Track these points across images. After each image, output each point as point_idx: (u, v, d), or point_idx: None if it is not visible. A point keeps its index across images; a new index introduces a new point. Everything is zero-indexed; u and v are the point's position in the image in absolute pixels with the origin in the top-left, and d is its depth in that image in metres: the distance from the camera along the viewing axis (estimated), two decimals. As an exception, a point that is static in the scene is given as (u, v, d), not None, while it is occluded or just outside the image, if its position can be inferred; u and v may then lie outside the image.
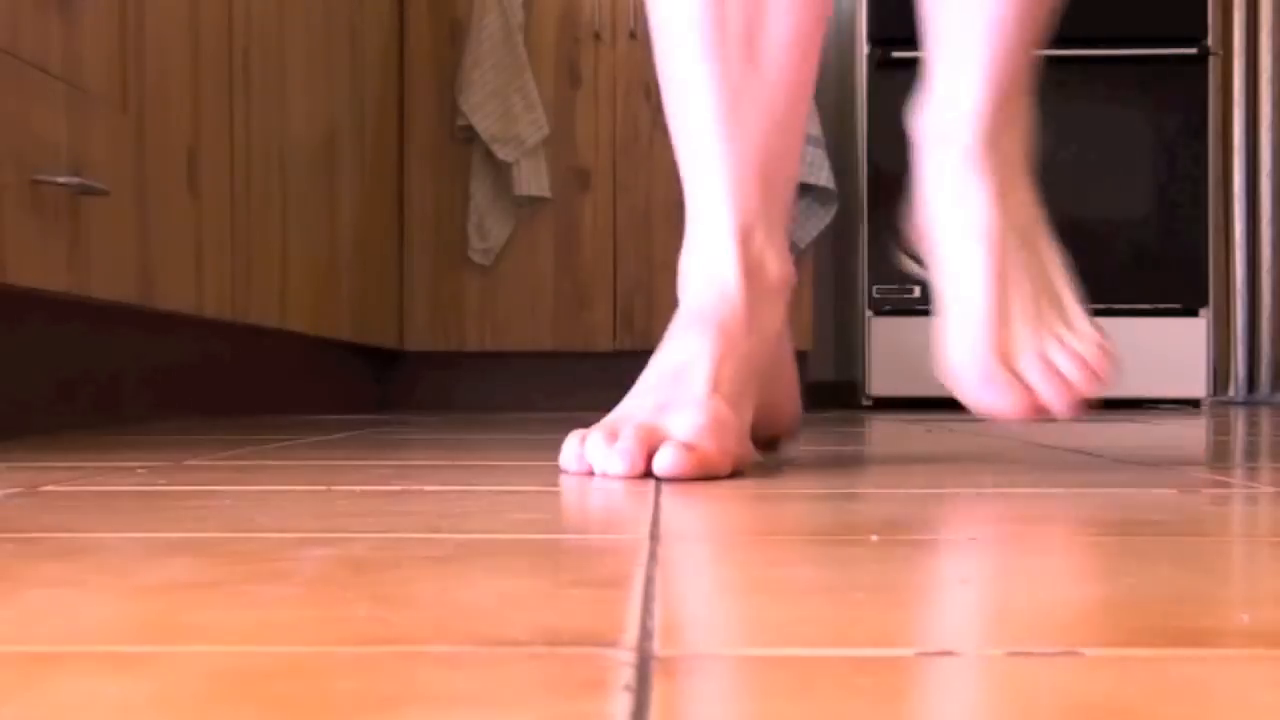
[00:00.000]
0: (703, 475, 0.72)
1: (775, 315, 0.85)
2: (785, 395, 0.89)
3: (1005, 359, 0.78)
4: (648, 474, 0.72)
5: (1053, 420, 0.77)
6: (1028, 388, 0.77)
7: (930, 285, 0.86)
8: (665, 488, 0.68)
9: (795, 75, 0.84)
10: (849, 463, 0.92)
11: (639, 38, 2.43)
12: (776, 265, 0.84)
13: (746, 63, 0.83)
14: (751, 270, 0.83)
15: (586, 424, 0.77)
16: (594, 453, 0.74)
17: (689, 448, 0.72)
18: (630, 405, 0.79)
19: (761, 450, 0.87)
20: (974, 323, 0.79)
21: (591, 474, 0.74)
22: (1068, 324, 0.80)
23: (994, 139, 0.83)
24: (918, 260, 0.87)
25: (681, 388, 0.77)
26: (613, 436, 0.74)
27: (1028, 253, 0.82)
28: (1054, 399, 0.76)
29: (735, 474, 0.75)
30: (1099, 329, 0.80)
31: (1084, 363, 0.77)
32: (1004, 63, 0.84)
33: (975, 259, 0.80)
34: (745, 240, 0.83)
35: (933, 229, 0.84)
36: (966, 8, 0.84)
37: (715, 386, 0.77)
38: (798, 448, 0.97)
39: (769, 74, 0.84)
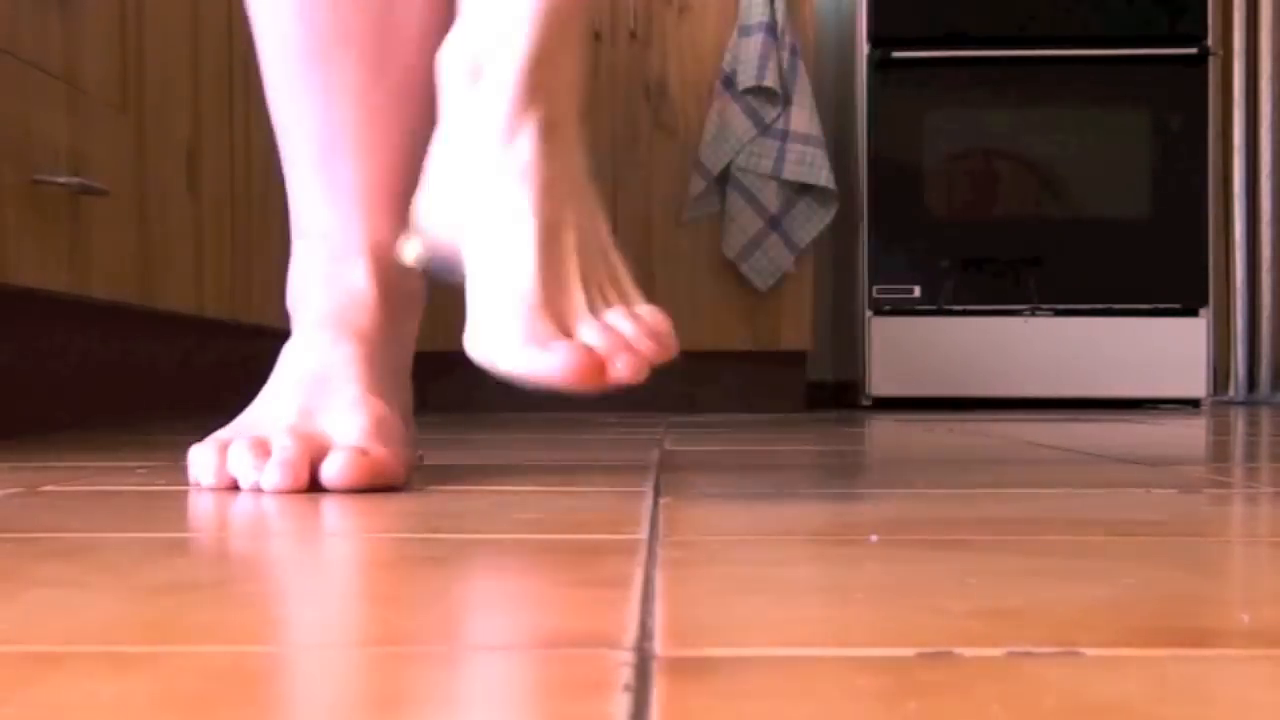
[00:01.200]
0: (379, 483, 0.65)
1: (411, 332, 0.79)
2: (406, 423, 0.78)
3: (558, 319, 0.63)
4: (314, 486, 0.63)
5: (613, 386, 0.61)
6: (586, 347, 0.61)
7: (447, 266, 0.70)
8: (665, 488, 0.68)
9: (426, 79, 0.71)
10: (849, 463, 0.93)
11: (639, 38, 2.44)
12: (414, 282, 0.78)
13: (374, 70, 0.75)
14: (389, 286, 0.76)
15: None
16: (241, 465, 0.65)
17: (360, 452, 0.65)
18: (267, 411, 0.70)
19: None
20: (518, 277, 0.64)
21: (236, 488, 0.65)
22: (622, 290, 0.67)
23: (532, 74, 0.66)
24: (427, 245, 0.70)
25: (331, 390, 0.69)
26: (261, 446, 0.65)
27: (578, 206, 0.67)
28: (618, 358, 0.61)
29: (406, 484, 0.67)
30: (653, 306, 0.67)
31: (649, 328, 0.64)
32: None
33: (519, 202, 0.65)
34: (378, 257, 0.76)
35: (464, 175, 0.67)
36: None
37: (369, 388, 0.71)
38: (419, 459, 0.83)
39: (399, 82, 0.75)
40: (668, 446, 1.06)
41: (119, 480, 0.72)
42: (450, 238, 0.68)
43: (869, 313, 2.55)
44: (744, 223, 2.43)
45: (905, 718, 0.24)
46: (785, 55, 2.42)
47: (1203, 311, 2.56)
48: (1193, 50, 2.55)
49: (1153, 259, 2.56)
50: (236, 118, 1.57)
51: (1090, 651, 0.29)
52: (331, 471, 0.63)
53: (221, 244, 1.51)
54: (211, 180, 1.48)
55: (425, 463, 0.77)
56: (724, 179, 2.43)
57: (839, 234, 2.75)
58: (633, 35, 2.48)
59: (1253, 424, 1.65)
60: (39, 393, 1.25)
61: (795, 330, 2.47)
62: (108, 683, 0.26)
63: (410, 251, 0.70)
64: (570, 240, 0.66)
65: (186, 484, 0.69)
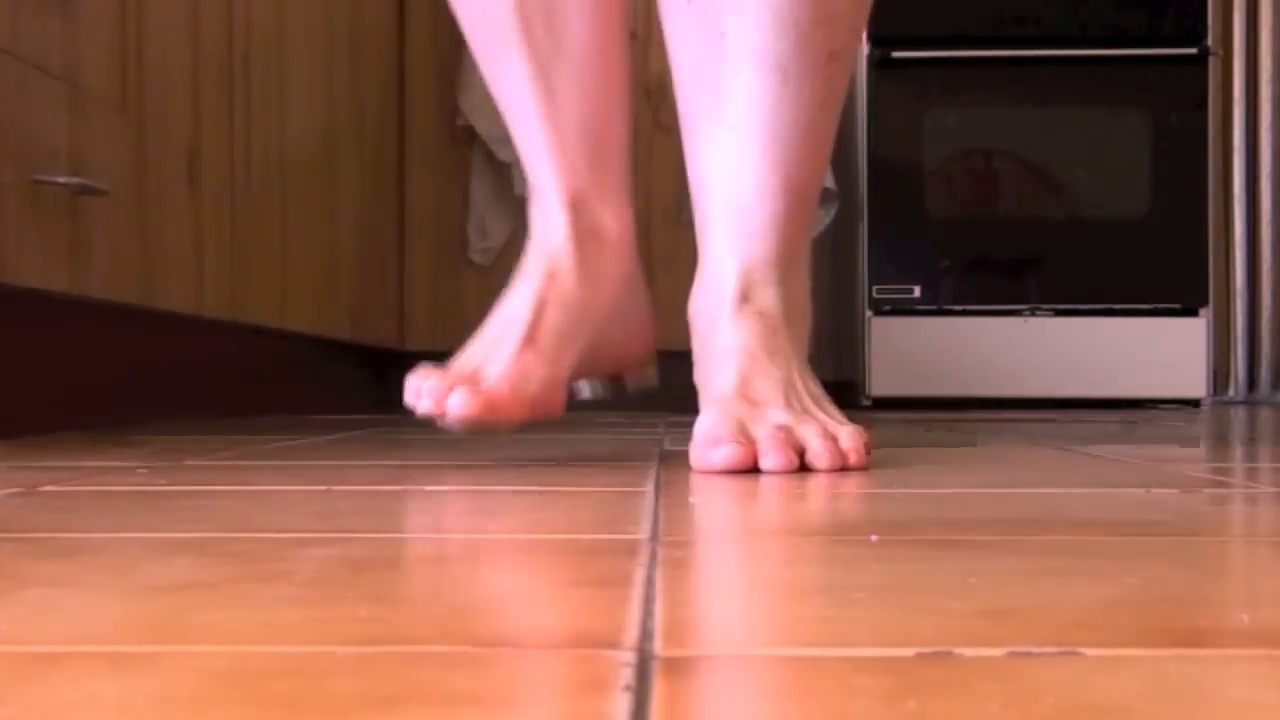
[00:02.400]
0: (490, 417, 0.81)
1: (616, 268, 0.92)
2: (632, 336, 0.95)
3: (740, 427, 0.77)
4: (440, 416, 0.82)
5: (767, 471, 0.75)
6: (749, 444, 0.76)
7: None
8: (665, 490, 0.68)
9: (601, 49, 0.90)
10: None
11: (639, 37, 2.44)
12: (614, 224, 0.92)
13: (551, 43, 0.90)
14: (583, 234, 0.90)
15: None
16: (419, 390, 0.85)
17: (479, 392, 0.81)
18: (468, 353, 0.89)
19: (607, 384, 0.97)
20: (716, 408, 0.80)
21: (416, 405, 0.85)
22: (828, 412, 0.82)
23: (753, 303, 0.85)
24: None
25: (502, 340, 0.86)
26: (438, 375, 0.85)
27: (780, 363, 0.83)
28: (770, 452, 0.75)
29: (558, 416, 0.86)
30: (851, 425, 0.81)
31: (826, 434, 0.78)
32: (783, 229, 0.86)
33: (725, 375, 0.82)
34: (575, 206, 0.90)
35: (697, 364, 0.87)
36: (740, 160, 0.86)
37: (530, 338, 0.86)
38: (654, 383, 1.01)
39: (573, 53, 0.90)
40: (668, 446, 1.06)
41: (119, 480, 0.72)
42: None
43: (869, 313, 2.55)
44: (744, 223, 2.42)
45: (905, 717, 0.24)
46: (785, 55, 2.42)
47: (1203, 311, 2.56)
48: (1193, 50, 2.55)
49: (1153, 259, 2.56)
50: (236, 118, 1.57)
51: (1090, 651, 0.29)
52: (451, 405, 0.80)
53: (221, 244, 1.51)
54: (211, 180, 1.48)
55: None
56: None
57: (839, 234, 2.76)
58: (633, 35, 2.47)
59: (1253, 424, 1.65)
60: (39, 393, 1.25)
61: (795, 330, 2.47)
62: (108, 683, 0.26)
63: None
64: (769, 378, 0.81)
65: (186, 484, 0.69)
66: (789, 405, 0.80)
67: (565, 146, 0.91)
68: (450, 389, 0.81)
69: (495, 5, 0.92)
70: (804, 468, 0.76)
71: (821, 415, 0.81)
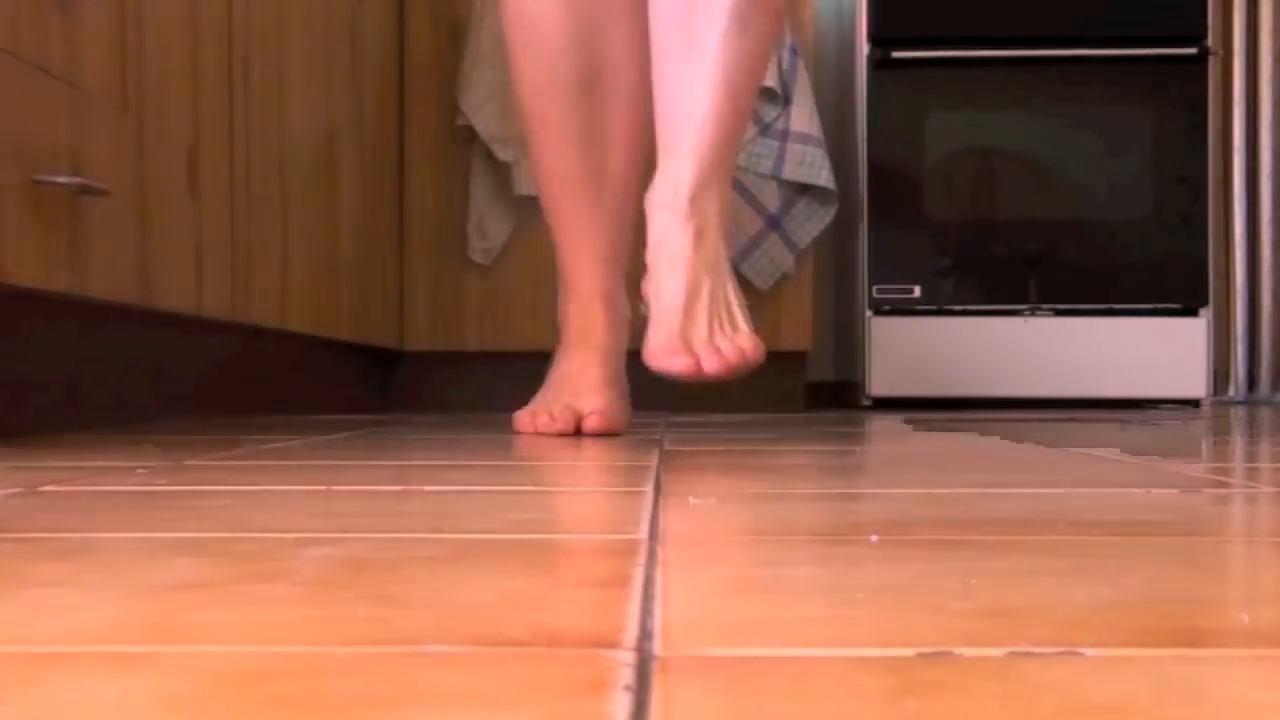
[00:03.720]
0: (613, 431, 1.23)
1: (624, 342, 1.33)
2: (624, 399, 1.32)
3: (686, 342, 1.10)
4: (576, 432, 1.22)
5: (709, 377, 1.09)
6: (694, 356, 1.09)
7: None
8: (665, 490, 0.68)
9: (628, 203, 1.33)
10: (849, 463, 0.93)
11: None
12: (623, 308, 1.34)
13: (599, 200, 1.32)
14: (612, 319, 1.32)
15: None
16: (540, 421, 1.24)
17: (602, 414, 1.23)
18: (548, 397, 1.28)
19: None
20: (668, 320, 1.12)
21: (536, 433, 1.22)
22: (735, 327, 1.14)
23: (695, 203, 1.16)
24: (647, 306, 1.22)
25: (585, 383, 1.27)
26: (547, 412, 1.25)
27: (711, 278, 1.15)
28: (708, 362, 1.09)
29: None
30: (754, 334, 1.14)
31: (736, 345, 1.10)
32: (710, 155, 1.17)
33: (674, 280, 1.13)
34: (607, 299, 1.32)
35: (650, 268, 1.17)
36: (686, 111, 1.18)
37: (605, 380, 1.27)
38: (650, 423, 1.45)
39: (612, 207, 1.33)
40: (668, 446, 1.06)
41: (119, 480, 0.72)
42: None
43: (869, 313, 2.55)
44: (744, 223, 2.43)
45: (905, 718, 0.24)
46: (785, 55, 2.42)
47: (1203, 311, 2.56)
48: (1193, 50, 2.55)
49: (1153, 259, 2.56)
50: (236, 118, 1.57)
51: (1090, 651, 0.29)
52: (589, 425, 1.22)
53: (221, 244, 1.51)
54: (211, 180, 1.48)
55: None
56: (724, 179, 2.42)
57: (839, 234, 2.75)
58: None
59: (1253, 424, 1.65)
60: (39, 393, 1.25)
61: (795, 330, 2.47)
62: (108, 683, 0.27)
63: (643, 309, 1.21)
64: (704, 298, 1.13)
65: (186, 484, 0.69)
66: (717, 322, 1.13)
67: (599, 250, 1.32)
68: (572, 416, 1.23)
69: (567, 168, 1.32)
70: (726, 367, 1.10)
71: (742, 326, 1.14)
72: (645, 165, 1.28)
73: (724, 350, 1.09)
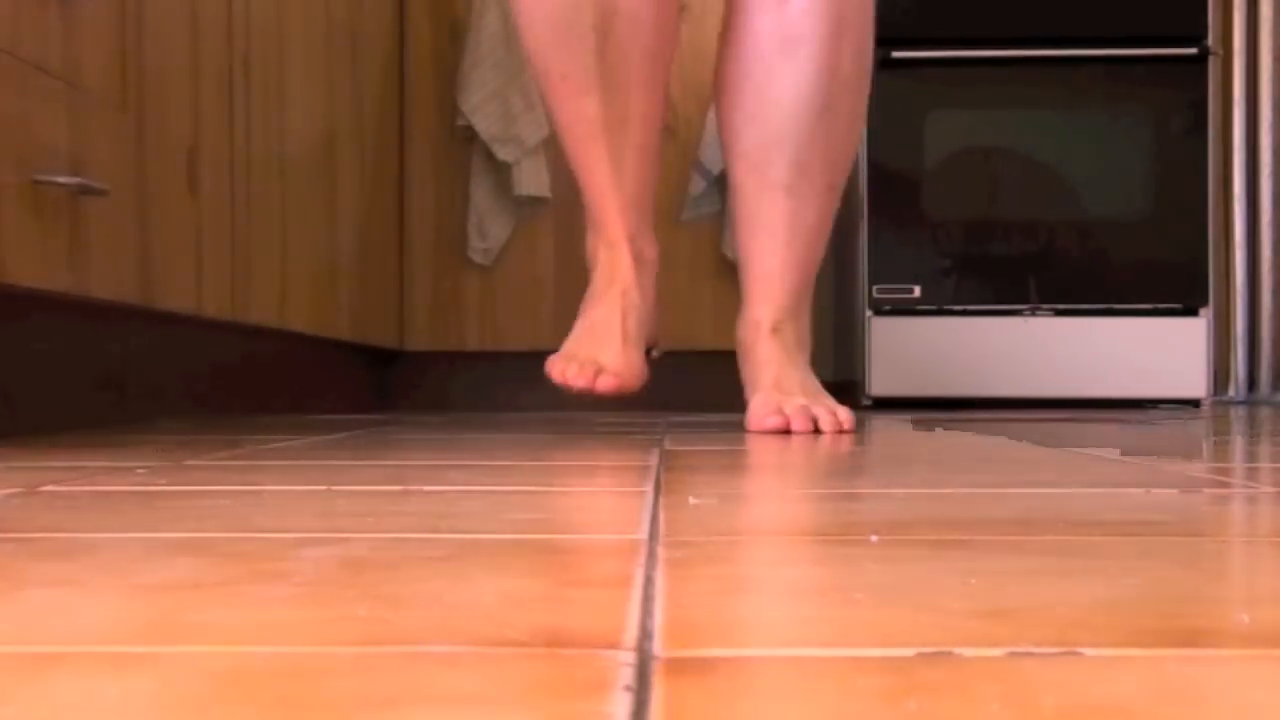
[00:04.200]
0: (627, 390, 1.33)
1: (652, 281, 1.42)
2: (654, 322, 1.43)
3: (774, 410, 1.30)
4: (592, 390, 1.32)
5: (795, 432, 1.27)
6: (785, 416, 1.29)
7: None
8: (665, 490, 0.68)
9: (649, 144, 1.40)
10: (849, 463, 0.93)
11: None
12: (651, 251, 1.42)
13: (623, 141, 1.37)
14: (637, 258, 1.39)
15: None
16: (570, 371, 1.32)
17: (617, 374, 1.31)
18: (576, 344, 1.36)
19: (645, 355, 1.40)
20: (762, 393, 1.34)
21: (565, 383, 1.32)
22: (815, 396, 1.34)
23: (779, 328, 1.38)
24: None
25: (608, 335, 1.35)
26: (575, 361, 1.32)
27: (795, 371, 1.36)
28: (796, 421, 1.28)
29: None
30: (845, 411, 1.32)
31: (828, 410, 1.31)
32: (794, 291, 1.40)
33: (767, 374, 1.36)
34: (631, 241, 1.39)
35: (742, 367, 1.40)
36: (756, 252, 1.40)
37: (625, 336, 1.35)
38: (662, 351, 1.51)
39: (635, 147, 1.38)
40: (668, 446, 1.06)
41: (119, 480, 0.72)
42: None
43: (869, 313, 2.55)
44: (744, 223, 2.42)
45: (905, 718, 0.24)
46: (785, 55, 2.42)
47: (1203, 311, 2.56)
48: (1193, 50, 2.55)
49: (1153, 259, 2.56)
50: (236, 118, 1.57)
51: (1090, 651, 0.29)
52: (601, 384, 1.30)
53: (221, 244, 1.51)
54: (211, 180, 1.48)
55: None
56: (724, 179, 2.43)
57: (839, 234, 2.75)
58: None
59: (1253, 424, 1.65)
60: (39, 393, 1.25)
61: (795, 330, 2.47)
62: (108, 683, 0.27)
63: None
64: (792, 382, 1.35)
65: (186, 484, 0.69)
66: (806, 394, 1.33)
67: (624, 196, 1.38)
68: (595, 374, 1.31)
69: (588, 114, 1.36)
70: (817, 431, 1.28)
71: (826, 399, 1.34)
72: (666, 102, 1.42)
73: (817, 416, 1.30)
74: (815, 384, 1.38)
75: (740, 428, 1.41)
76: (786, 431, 1.27)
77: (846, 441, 1.15)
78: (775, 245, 1.39)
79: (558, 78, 1.34)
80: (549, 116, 1.42)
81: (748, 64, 1.38)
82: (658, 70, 1.37)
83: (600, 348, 1.34)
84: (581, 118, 1.35)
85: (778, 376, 1.35)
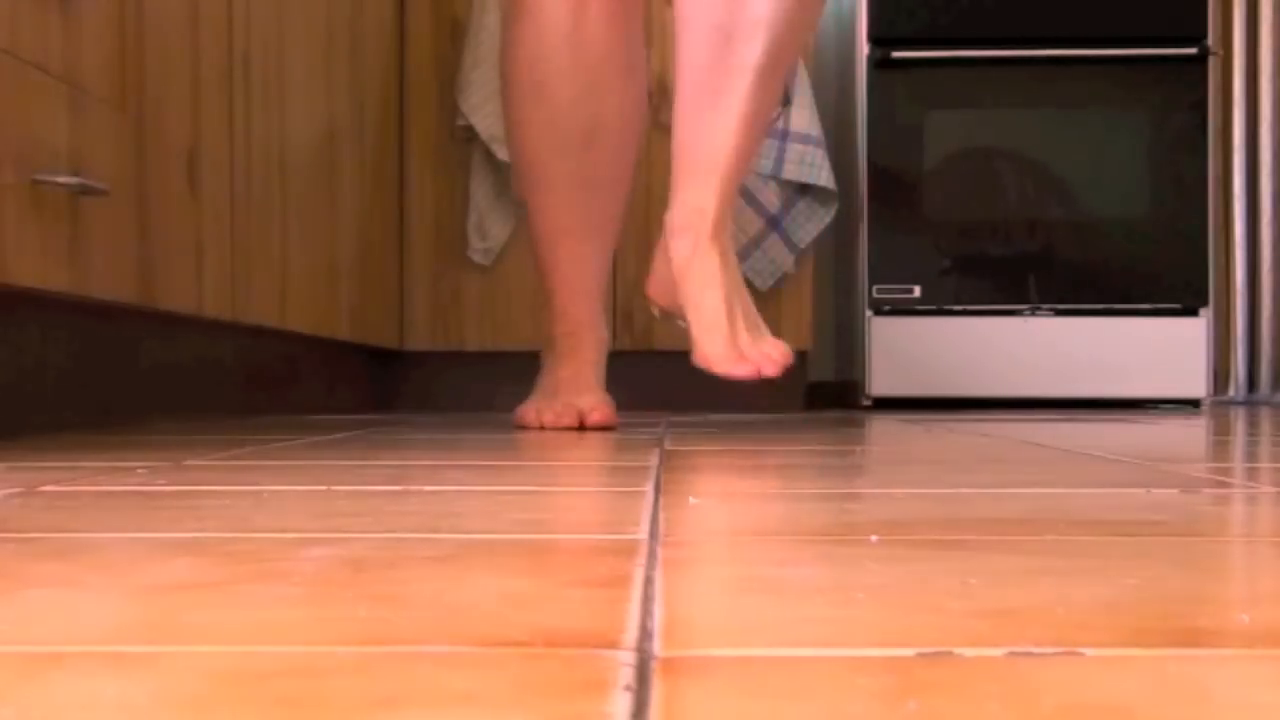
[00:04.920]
0: (612, 425, 1.40)
1: (604, 358, 1.51)
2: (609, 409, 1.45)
3: (740, 350, 1.32)
4: (580, 427, 1.39)
5: (765, 377, 1.31)
6: (752, 361, 1.31)
7: (669, 317, 1.47)
8: (665, 490, 0.68)
9: (617, 231, 1.53)
10: (849, 463, 0.93)
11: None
12: (605, 334, 1.53)
13: (590, 225, 1.49)
14: (597, 341, 1.50)
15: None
16: (546, 416, 1.41)
17: (603, 410, 1.40)
18: (547, 398, 1.44)
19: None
20: (719, 332, 1.33)
21: (541, 428, 1.39)
22: (760, 330, 1.36)
23: (718, 228, 1.35)
24: (661, 308, 1.46)
25: (582, 384, 1.45)
26: (551, 409, 1.41)
27: (740, 293, 1.36)
28: (766, 367, 1.30)
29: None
30: (778, 340, 1.35)
31: (781, 350, 1.32)
32: (730, 186, 1.37)
33: (713, 299, 1.33)
34: (593, 326, 1.49)
35: (682, 284, 1.36)
36: (709, 147, 1.35)
37: (599, 383, 1.46)
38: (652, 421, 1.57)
39: (603, 227, 1.49)
40: (668, 446, 1.06)
41: (119, 480, 0.72)
42: (670, 305, 1.42)
43: (869, 313, 2.55)
44: (744, 223, 2.42)
45: (905, 718, 0.24)
46: (785, 55, 2.42)
47: (1203, 311, 2.56)
48: (1193, 50, 2.55)
49: (1153, 259, 2.56)
50: (236, 118, 1.57)
51: (1090, 651, 0.29)
52: (594, 419, 1.39)
53: (221, 244, 1.51)
54: (211, 180, 1.48)
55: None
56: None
57: (839, 234, 2.75)
58: (633, 35, 2.47)
59: (1253, 424, 1.65)
60: (39, 393, 1.25)
61: (795, 330, 2.47)
62: (108, 683, 0.27)
63: (655, 310, 1.48)
64: (737, 309, 1.34)
65: (186, 484, 0.69)
66: (751, 326, 1.34)
67: (589, 288, 1.49)
68: (578, 415, 1.40)
69: (563, 208, 1.47)
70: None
71: (766, 334, 1.36)
72: (662, 96, 1.47)
73: (774, 356, 1.32)
74: (754, 311, 1.38)
75: (741, 427, 1.41)
76: (757, 376, 1.31)
77: (840, 443, 1.14)
78: (730, 128, 1.35)
79: (540, 172, 1.44)
80: (528, 213, 1.51)
81: None
82: (624, 177, 1.48)
83: (577, 394, 1.42)
84: (556, 213, 1.45)
85: (728, 305, 1.33)
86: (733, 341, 1.32)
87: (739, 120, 1.35)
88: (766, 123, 1.42)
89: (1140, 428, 1.51)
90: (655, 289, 1.45)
